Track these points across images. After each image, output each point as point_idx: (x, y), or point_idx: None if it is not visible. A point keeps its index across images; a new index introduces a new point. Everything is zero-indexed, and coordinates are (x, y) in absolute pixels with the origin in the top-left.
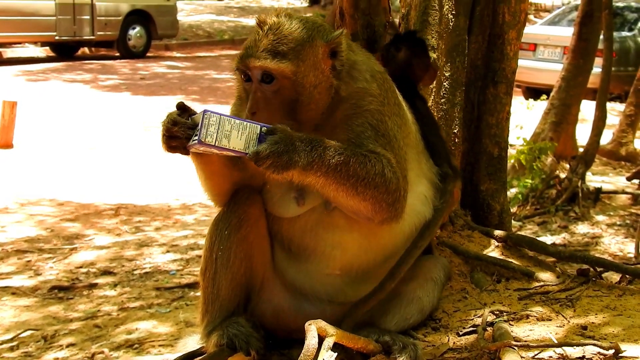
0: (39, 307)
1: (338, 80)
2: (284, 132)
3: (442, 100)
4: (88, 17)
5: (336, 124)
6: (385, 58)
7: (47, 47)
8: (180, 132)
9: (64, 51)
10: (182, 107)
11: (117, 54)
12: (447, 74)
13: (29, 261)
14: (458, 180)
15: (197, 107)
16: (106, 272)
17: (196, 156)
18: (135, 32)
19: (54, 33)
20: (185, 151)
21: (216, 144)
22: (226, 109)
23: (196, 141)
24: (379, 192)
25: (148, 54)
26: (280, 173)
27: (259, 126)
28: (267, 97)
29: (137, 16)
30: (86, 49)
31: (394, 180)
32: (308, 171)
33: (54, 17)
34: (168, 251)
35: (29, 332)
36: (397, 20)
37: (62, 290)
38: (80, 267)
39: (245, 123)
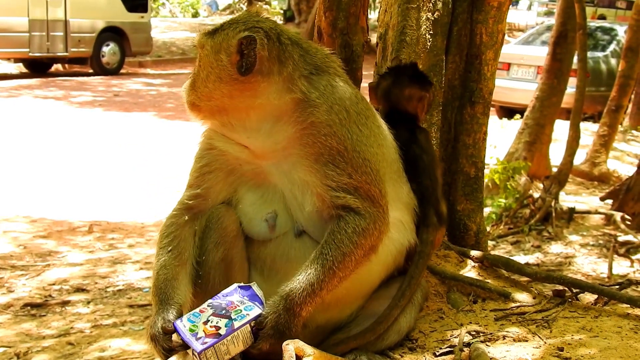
0: (11, 324)
1: (292, 94)
2: (271, 316)
3: None
4: (62, 33)
5: (292, 145)
6: (388, 99)
7: (21, 64)
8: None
9: (38, 67)
10: (170, 332)
11: (91, 71)
12: None
13: (1, 278)
14: (442, 228)
15: (170, 124)
16: (79, 290)
17: None
18: (109, 49)
19: (27, 49)
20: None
21: None
22: (196, 127)
23: None
24: (364, 247)
25: (122, 71)
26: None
27: (247, 326)
28: None
29: (111, 33)
30: (59, 66)
31: (369, 224)
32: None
33: (27, 34)
34: (141, 268)
35: (1, 350)
36: (374, 40)
37: (35, 308)
38: (53, 284)
39: (236, 333)
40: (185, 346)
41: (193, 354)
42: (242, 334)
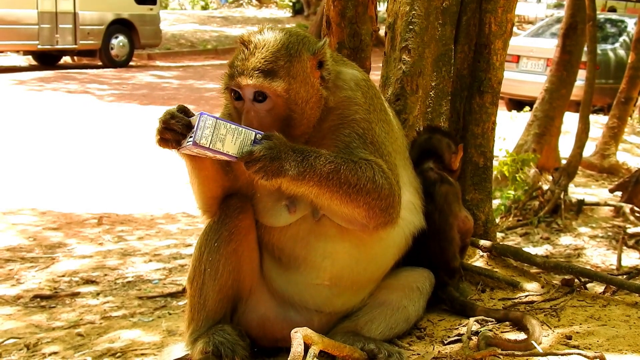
0: (21, 316)
1: (327, 90)
2: (279, 139)
3: (428, 110)
4: (70, 25)
5: (324, 135)
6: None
7: (29, 56)
8: (176, 126)
9: (46, 60)
10: (182, 109)
11: (100, 63)
12: (433, 84)
13: (10, 270)
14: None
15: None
16: (89, 281)
17: (190, 160)
18: (118, 42)
19: (37, 42)
20: (177, 145)
21: (210, 147)
22: None
23: (190, 142)
24: (372, 198)
25: (131, 64)
26: (269, 179)
27: (254, 133)
28: (260, 115)
29: (120, 25)
30: (68, 58)
31: (386, 185)
32: (300, 180)
33: (37, 26)
34: (151, 260)
35: (12, 341)
36: (383, 31)
37: (45, 299)
38: (63, 276)
39: (240, 129)
40: (188, 127)
41: (192, 130)
42: (244, 137)
